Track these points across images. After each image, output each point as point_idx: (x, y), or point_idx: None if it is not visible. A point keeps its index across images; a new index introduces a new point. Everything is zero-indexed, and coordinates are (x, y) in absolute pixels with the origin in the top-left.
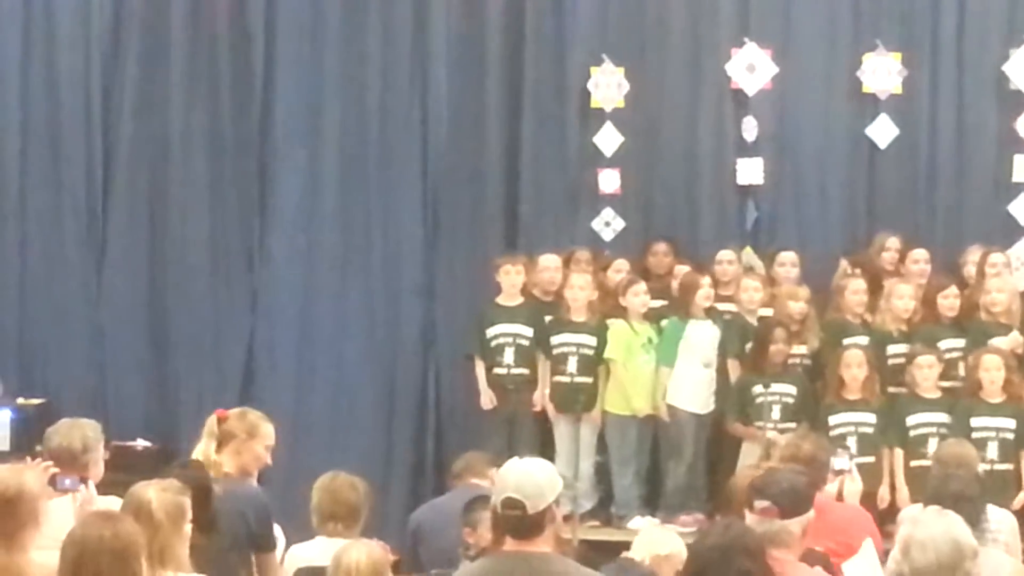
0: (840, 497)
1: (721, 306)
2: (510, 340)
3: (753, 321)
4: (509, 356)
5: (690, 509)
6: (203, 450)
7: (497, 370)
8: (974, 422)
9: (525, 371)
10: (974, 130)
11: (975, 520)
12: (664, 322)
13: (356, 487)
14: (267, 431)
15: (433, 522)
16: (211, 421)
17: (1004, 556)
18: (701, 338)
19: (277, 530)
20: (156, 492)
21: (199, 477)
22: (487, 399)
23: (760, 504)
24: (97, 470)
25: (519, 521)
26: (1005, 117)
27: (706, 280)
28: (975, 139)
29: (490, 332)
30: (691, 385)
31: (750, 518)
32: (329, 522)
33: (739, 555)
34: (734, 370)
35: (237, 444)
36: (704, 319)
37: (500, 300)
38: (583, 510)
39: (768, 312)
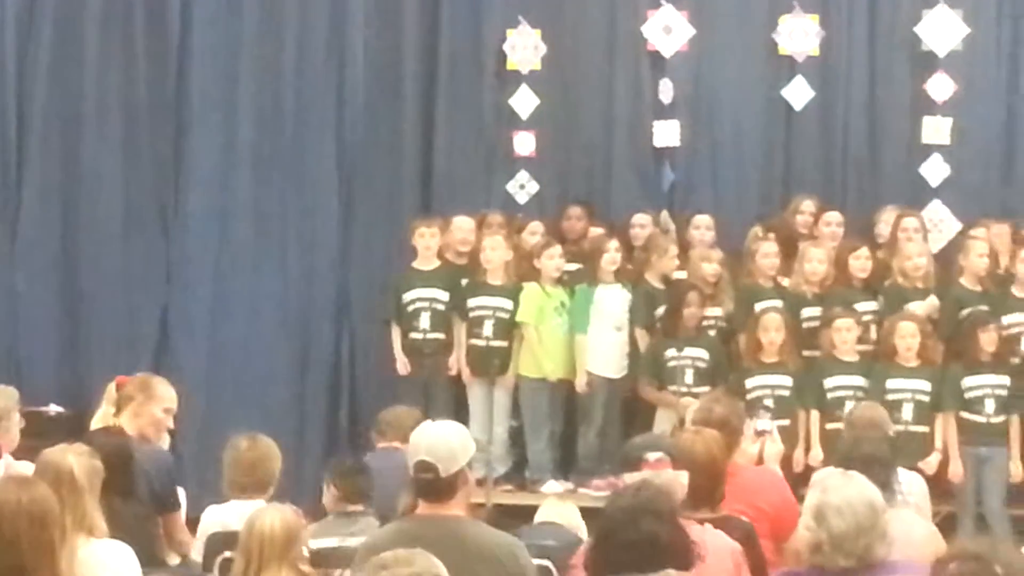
0: (760, 459)
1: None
2: (426, 305)
3: (659, 286)
4: (425, 321)
5: (603, 473)
6: (102, 416)
7: (413, 335)
8: (889, 384)
9: (440, 335)
10: (887, 92)
11: (885, 482)
12: (577, 288)
13: (256, 445)
14: (164, 393)
15: None
16: (110, 387)
17: (915, 516)
18: (611, 302)
19: (180, 492)
20: (75, 457)
21: (119, 443)
22: (402, 365)
23: (653, 455)
24: (10, 437)
25: (431, 484)
26: (917, 79)
27: (612, 244)
28: (888, 101)
29: (406, 297)
30: (603, 350)
31: (643, 473)
32: (238, 482)
33: (647, 516)
34: (642, 339)
35: (135, 407)
36: (614, 283)
37: (416, 264)
38: (497, 474)
39: (681, 275)
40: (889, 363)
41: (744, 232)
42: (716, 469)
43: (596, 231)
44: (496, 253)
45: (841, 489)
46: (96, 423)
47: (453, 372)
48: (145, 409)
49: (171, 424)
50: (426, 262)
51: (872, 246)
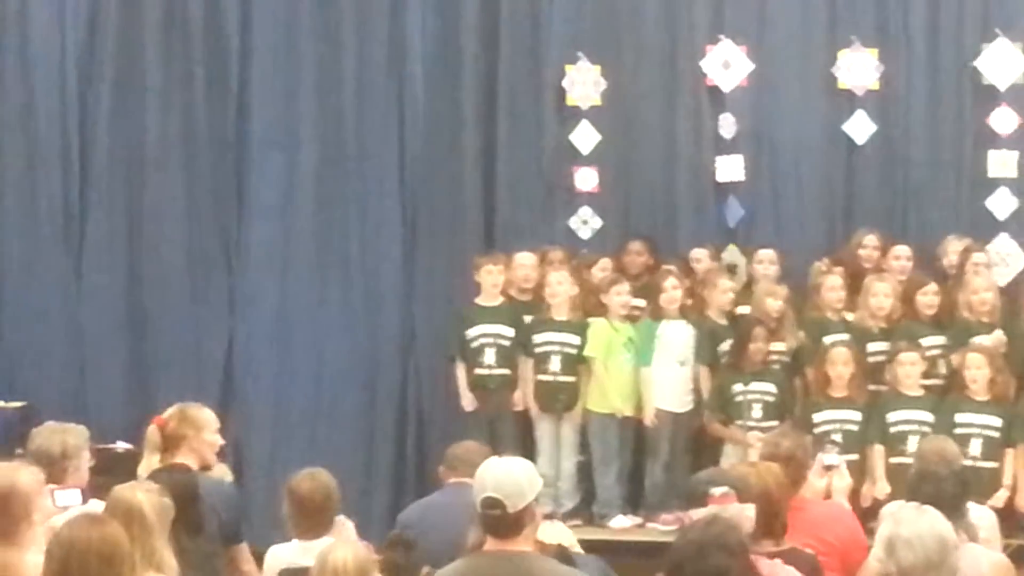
0: (828, 493)
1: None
2: (491, 340)
3: (722, 322)
4: (490, 356)
5: (671, 508)
6: (147, 464)
7: (478, 370)
8: (959, 418)
9: (506, 371)
10: (949, 125)
11: (954, 517)
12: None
13: (315, 487)
14: (208, 417)
15: (421, 522)
16: (152, 432)
17: (981, 549)
18: (674, 337)
19: None
20: (144, 494)
21: (185, 479)
22: (468, 401)
23: (719, 490)
24: (79, 476)
25: (499, 520)
26: (979, 112)
27: (671, 282)
28: (950, 134)
29: (471, 333)
30: (666, 384)
31: (709, 508)
32: (301, 524)
33: (717, 551)
34: (704, 376)
35: (189, 444)
36: (678, 318)
37: (480, 300)
38: (564, 509)
39: (746, 310)
40: (959, 396)
41: (806, 266)
42: (773, 501)
43: (668, 268)
44: (562, 288)
45: (913, 522)
46: (142, 472)
47: (519, 408)
48: (200, 441)
49: (222, 440)
50: (490, 298)
51: (938, 277)
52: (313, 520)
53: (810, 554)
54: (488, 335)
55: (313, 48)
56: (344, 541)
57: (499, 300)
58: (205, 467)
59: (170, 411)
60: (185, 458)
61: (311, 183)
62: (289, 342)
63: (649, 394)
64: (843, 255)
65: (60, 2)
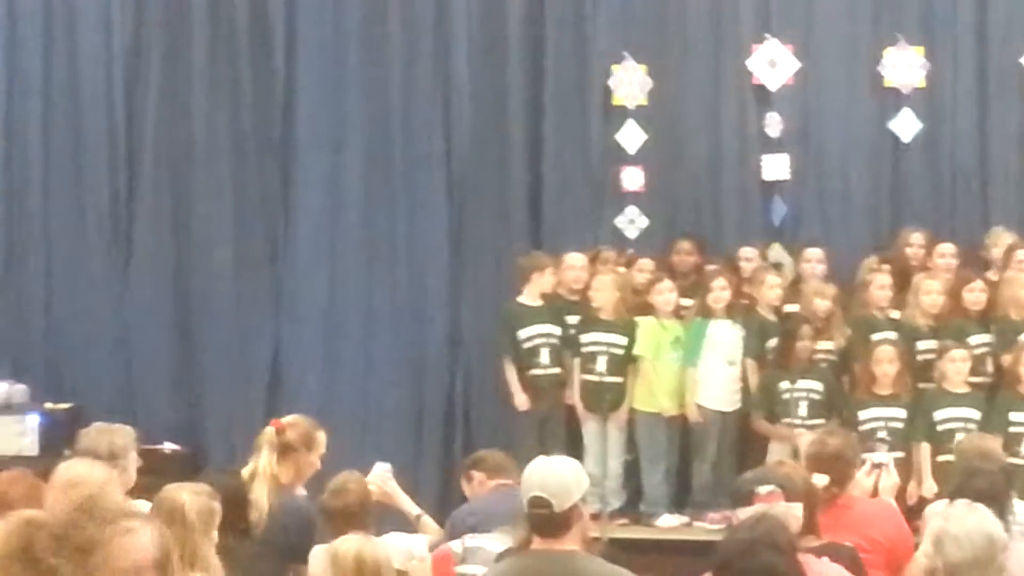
0: (875, 491)
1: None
2: (544, 340)
3: (772, 318)
4: (545, 356)
5: (718, 507)
6: (264, 463)
7: (534, 371)
8: (1012, 416)
9: (559, 370)
10: (996, 123)
11: (1001, 515)
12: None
13: (347, 495)
14: (322, 439)
15: (474, 525)
16: (270, 434)
17: None
18: (723, 336)
19: None
20: (189, 495)
21: (234, 483)
22: (521, 401)
23: (765, 489)
24: (127, 476)
25: (546, 519)
26: None
27: (719, 282)
28: (997, 131)
29: (523, 333)
30: (715, 383)
31: (756, 506)
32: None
33: (766, 549)
34: (752, 371)
35: (297, 458)
36: (726, 318)
37: (526, 300)
38: (612, 508)
39: (794, 308)
40: (1013, 394)
41: (852, 264)
42: (811, 497)
43: (716, 267)
44: (601, 295)
45: (963, 520)
46: (261, 468)
47: (573, 403)
48: (307, 462)
49: (319, 465)
50: (534, 297)
51: (983, 268)
52: (349, 528)
53: (849, 547)
54: (542, 335)
55: (359, 49)
56: (353, 536)
57: (541, 300)
58: (297, 482)
59: (290, 419)
60: (285, 470)
61: (357, 183)
62: (336, 342)
63: (693, 393)
64: (889, 253)
65: (106, 8)
